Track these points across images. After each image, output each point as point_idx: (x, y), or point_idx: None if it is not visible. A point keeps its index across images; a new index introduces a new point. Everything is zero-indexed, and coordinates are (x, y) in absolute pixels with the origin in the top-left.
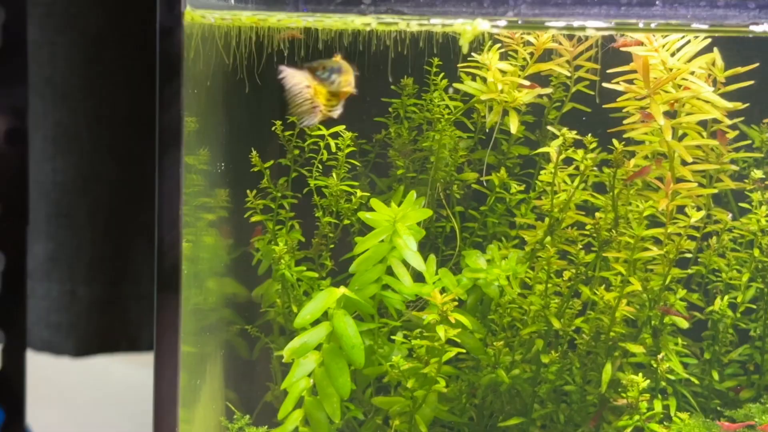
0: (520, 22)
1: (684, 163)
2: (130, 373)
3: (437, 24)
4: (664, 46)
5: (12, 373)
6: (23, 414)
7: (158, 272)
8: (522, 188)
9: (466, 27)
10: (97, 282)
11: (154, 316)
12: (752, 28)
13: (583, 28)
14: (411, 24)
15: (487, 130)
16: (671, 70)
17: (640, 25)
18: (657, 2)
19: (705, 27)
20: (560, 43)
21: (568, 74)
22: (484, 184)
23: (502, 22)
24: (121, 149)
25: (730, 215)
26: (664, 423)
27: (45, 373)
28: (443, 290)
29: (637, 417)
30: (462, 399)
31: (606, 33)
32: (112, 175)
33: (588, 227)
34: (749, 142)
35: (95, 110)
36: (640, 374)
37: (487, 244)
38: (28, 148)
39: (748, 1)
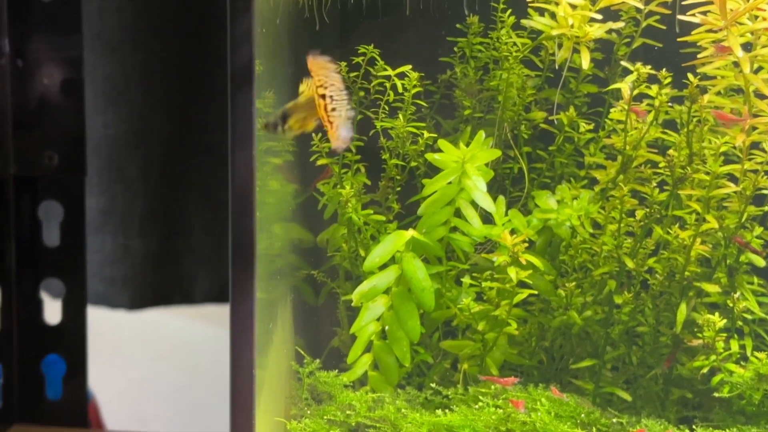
0: None
1: (761, 97)
2: (183, 326)
3: None
4: None
5: (73, 325)
6: (85, 366)
7: (233, 216)
8: (591, 127)
9: None
10: (150, 235)
11: (230, 261)
12: None
13: None
14: None
15: (557, 68)
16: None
17: None
18: None
19: None
20: None
21: (641, 6)
22: (554, 123)
23: None
24: (171, 103)
25: None
26: (741, 363)
27: (100, 328)
28: (513, 232)
29: (713, 357)
30: (532, 342)
31: None
32: (162, 129)
33: (661, 165)
34: None
35: (145, 64)
36: (717, 314)
37: (555, 185)
38: (84, 99)
39: None
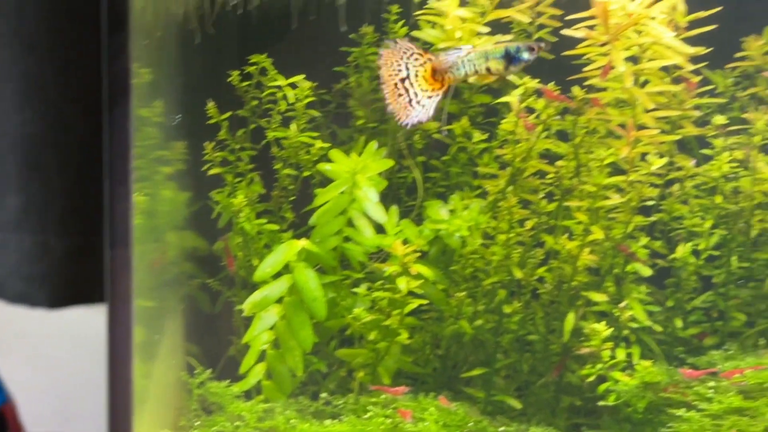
0: None
1: (647, 110)
2: (105, 324)
3: None
4: None
5: None
6: None
7: (110, 225)
8: (485, 137)
9: None
10: (70, 233)
11: (106, 269)
12: None
13: None
14: None
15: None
16: (632, 15)
17: None
18: None
19: None
20: None
21: (529, 20)
22: (445, 133)
23: None
24: (89, 99)
25: (693, 162)
26: (627, 371)
27: (18, 327)
28: (405, 241)
29: (599, 365)
30: (426, 350)
31: None
32: (81, 125)
33: (549, 176)
34: (713, 87)
35: (62, 60)
36: (603, 323)
37: (450, 195)
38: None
39: None
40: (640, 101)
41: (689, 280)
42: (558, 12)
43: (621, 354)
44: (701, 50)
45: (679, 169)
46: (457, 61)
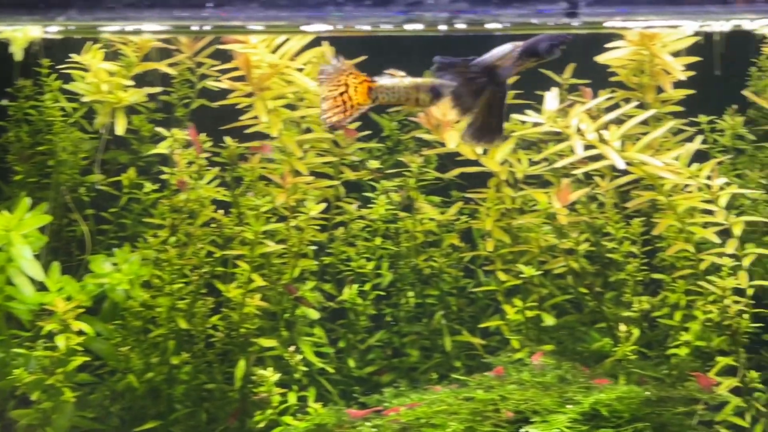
0: (72, 27)
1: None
2: None
3: None
4: (265, 43)
5: None
6: None
7: None
8: (156, 187)
9: (17, 34)
10: None
11: None
12: (303, 28)
13: (138, 32)
14: None
15: (100, 131)
16: (276, 66)
17: (194, 28)
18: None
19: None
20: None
21: (174, 73)
22: (96, 186)
23: (54, 28)
24: None
25: (356, 205)
26: (298, 415)
27: None
28: (69, 298)
29: (270, 411)
30: (107, 405)
31: (164, 36)
32: None
33: (213, 225)
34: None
35: None
36: (270, 368)
37: (124, 247)
38: None
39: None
40: (291, 149)
41: (359, 320)
42: (215, 63)
43: (293, 398)
44: None
45: (343, 213)
46: (392, 86)
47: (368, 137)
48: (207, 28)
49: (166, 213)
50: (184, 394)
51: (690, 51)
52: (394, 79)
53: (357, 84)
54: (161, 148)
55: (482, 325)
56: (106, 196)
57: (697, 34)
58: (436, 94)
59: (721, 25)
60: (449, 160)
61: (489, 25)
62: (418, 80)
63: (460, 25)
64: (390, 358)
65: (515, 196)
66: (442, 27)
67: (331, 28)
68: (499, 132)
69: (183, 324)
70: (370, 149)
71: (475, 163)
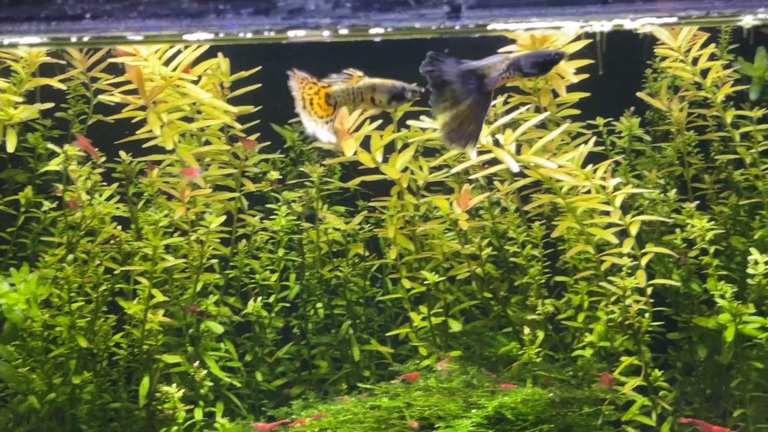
0: None
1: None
2: None
3: None
4: (157, 55)
5: None
6: None
7: None
8: (54, 205)
9: None
10: None
11: None
12: (184, 36)
13: (15, 45)
14: None
15: None
16: (169, 79)
17: (73, 39)
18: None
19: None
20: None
21: (65, 88)
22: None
23: None
24: None
25: (258, 217)
26: (205, 431)
27: None
28: None
29: (175, 428)
30: (10, 428)
31: (44, 49)
32: None
33: (112, 242)
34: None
35: None
36: (175, 384)
37: (30, 265)
38: None
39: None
40: (188, 162)
41: (265, 334)
42: (108, 77)
43: (199, 414)
44: (249, 108)
45: (245, 225)
46: (348, 89)
47: (270, 149)
48: (86, 39)
49: (63, 230)
50: (89, 414)
51: (584, 54)
52: (350, 82)
53: (313, 95)
54: (53, 165)
55: (390, 334)
56: (4, 216)
57: (588, 36)
58: (393, 95)
59: (602, 25)
60: (354, 169)
61: (372, 30)
62: (376, 81)
63: (343, 31)
64: (299, 370)
65: (418, 204)
66: (326, 33)
67: (212, 36)
68: (475, 139)
69: (83, 342)
70: (273, 160)
71: (377, 171)
